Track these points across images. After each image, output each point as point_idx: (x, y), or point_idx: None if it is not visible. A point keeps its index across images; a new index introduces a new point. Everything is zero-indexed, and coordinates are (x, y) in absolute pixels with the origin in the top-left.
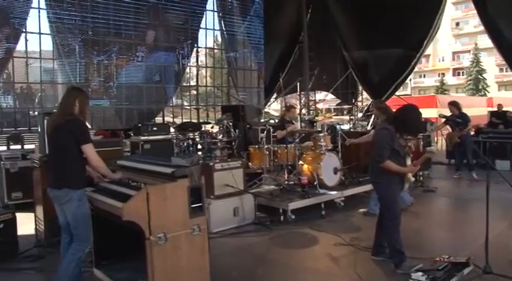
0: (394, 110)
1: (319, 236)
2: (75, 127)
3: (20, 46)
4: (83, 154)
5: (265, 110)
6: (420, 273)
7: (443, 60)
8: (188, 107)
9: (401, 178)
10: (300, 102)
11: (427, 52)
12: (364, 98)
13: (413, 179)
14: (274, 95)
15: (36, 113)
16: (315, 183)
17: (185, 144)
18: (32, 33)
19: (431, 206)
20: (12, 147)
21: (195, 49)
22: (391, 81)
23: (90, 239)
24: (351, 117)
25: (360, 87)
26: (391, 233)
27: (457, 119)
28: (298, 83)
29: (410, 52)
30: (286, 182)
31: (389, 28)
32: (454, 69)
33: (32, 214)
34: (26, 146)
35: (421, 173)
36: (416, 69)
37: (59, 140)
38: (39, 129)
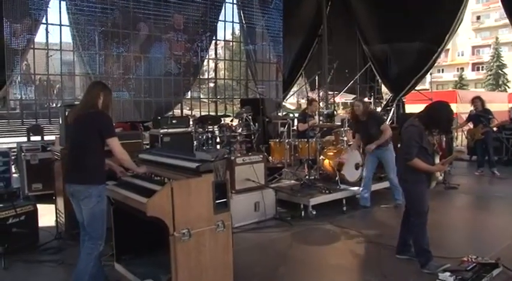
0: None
1: (341, 233)
2: (99, 120)
3: (41, 38)
4: (105, 147)
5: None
6: (448, 273)
7: (462, 55)
8: (206, 100)
9: (428, 175)
10: (319, 96)
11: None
12: (383, 93)
13: (441, 177)
14: (294, 89)
15: (54, 105)
16: (336, 178)
17: (204, 137)
18: (52, 25)
19: (454, 204)
20: (32, 138)
21: (213, 42)
22: (411, 75)
23: (104, 237)
24: None
25: (380, 82)
26: (418, 231)
27: (489, 115)
28: (317, 77)
29: (432, 46)
30: (306, 177)
31: (410, 21)
32: (474, 64)
33: (52, 206)
34: (46, 138)
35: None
36: (435, 63)
37: (80, 133)
38: (61, 122)
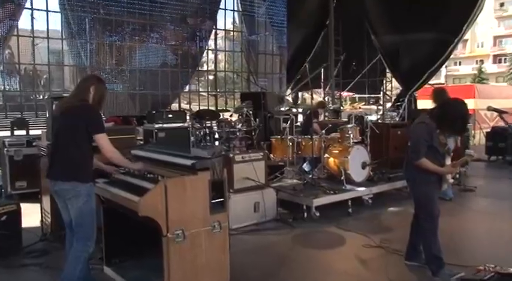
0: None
1: (346, 236)
2: (86, 113)
3: (26, 25)
4: (93, 142)
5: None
6: None
7: (482, 46)
8: (205, 94)
9: (439, 177)
10: (324, 90)
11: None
12: (394, 87)
13: (452, 180)
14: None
15: (41, 97)
16: (342, 178)
17: (202, 133)
18: (38, 10)
19: (471, 207)
20: (16, 132)
21: (213, 31)
22: (424, 68)
23: (94, 238)
24: (379, 107)
25: (390, 75)
26: (428, 236)
27: None
28: (322, 70)
29: (448, 36)
30: (310, 176)
31: (425, 9)
32: (495, 56)
33: (37, 205)
34: (31, 132)
35: (458, 171)
36: (451, 55)
37: (66, 126)
38: (47, 115)
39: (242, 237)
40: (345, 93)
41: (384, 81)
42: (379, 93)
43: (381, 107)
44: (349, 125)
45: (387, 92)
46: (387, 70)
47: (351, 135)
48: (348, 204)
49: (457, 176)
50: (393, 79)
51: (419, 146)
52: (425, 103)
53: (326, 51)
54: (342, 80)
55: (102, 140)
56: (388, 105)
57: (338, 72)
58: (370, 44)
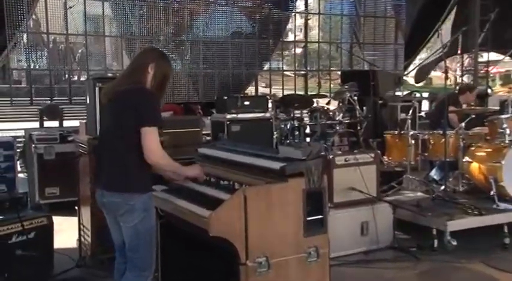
0: None
1: (501, 279)
2: (138, 97)
3: None
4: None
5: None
6: None
7: None
8: (291, 74)
9: None
10: (462, 65)
11: None
12: None
13: None
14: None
15: (76, 77)
16: (492, 193)
17: (289, 126)
18: None
19: None
20: (46, 124)
21: None
22: None
23: (152, 265)
24: None
25: None
26: None
27: None
28: (460, 37)
29: None
30: (442, 188)
31: None
32: None
33: (74, 219)
34: (65, 123)
35: None
36: None
37: (116, 118)
38: (88, 101)
39: (345, 270)
40: (494, 70)
41: None
42: None
43: None
44: (503, 116)
45: None
46: None
47: (507, 131)
48: (502, 231)
49: None
50: None
51: None
52: None
53: (466, 9)
54: (490, 51)
55: (150, 136)
56: None
57: (485, 39)
58: None
